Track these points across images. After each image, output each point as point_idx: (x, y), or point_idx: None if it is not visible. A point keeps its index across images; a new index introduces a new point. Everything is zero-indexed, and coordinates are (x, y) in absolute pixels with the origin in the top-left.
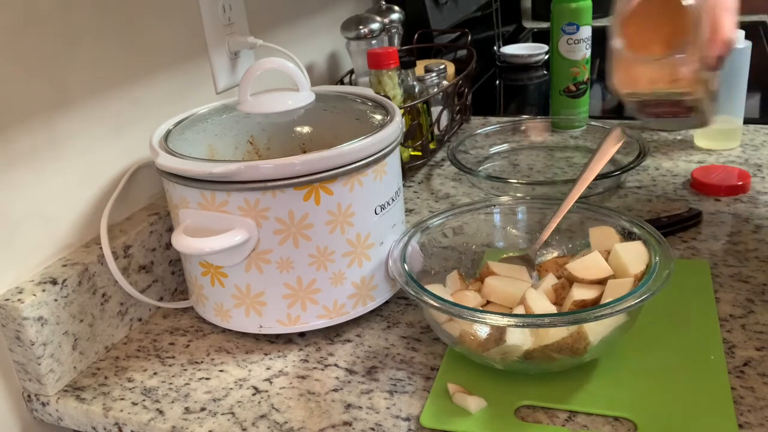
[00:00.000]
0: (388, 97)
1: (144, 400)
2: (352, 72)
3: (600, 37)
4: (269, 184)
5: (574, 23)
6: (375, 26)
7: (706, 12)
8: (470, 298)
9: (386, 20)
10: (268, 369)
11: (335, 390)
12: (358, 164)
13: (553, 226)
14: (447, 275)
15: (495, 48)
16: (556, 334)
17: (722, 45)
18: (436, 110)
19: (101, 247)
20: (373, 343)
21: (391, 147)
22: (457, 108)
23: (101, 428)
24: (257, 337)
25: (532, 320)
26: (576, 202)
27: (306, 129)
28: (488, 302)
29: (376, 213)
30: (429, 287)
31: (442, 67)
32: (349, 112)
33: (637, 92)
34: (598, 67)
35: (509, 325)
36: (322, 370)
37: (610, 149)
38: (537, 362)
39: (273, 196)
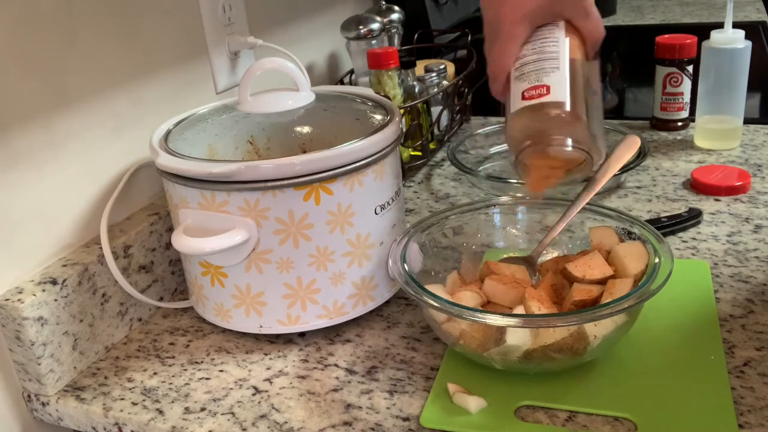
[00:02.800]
0: (388, 97)
1: (144, 400)
2: (352, 72)
3: None
4: (269, 184)
5: None
6: (375, 26)
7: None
8: (470, 298)
9: (386, 20)
10: (268, 369)
11: (335, 390)
12: (358, 164)
13: (560, 228)
14: (447, 275)
15: None
16: (556, 334)
17: (597, 45)
18: (436, 110)
19: (101, 247)
20: (373, 343)
21: (391, 147)
22: (457, 108)
23: (101, 428)
24: (257, 337)
25: (532, 320)
26: None
27: (306, 129)
28: (488, 302)
29: (376, 213)
30: (429, 287)
31: (442, 67)
32: (349, 112)
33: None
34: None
35: (509, 325)
36: (322, 370)
37: (625, 156)
38: (537, 362)
39: (273, 196)
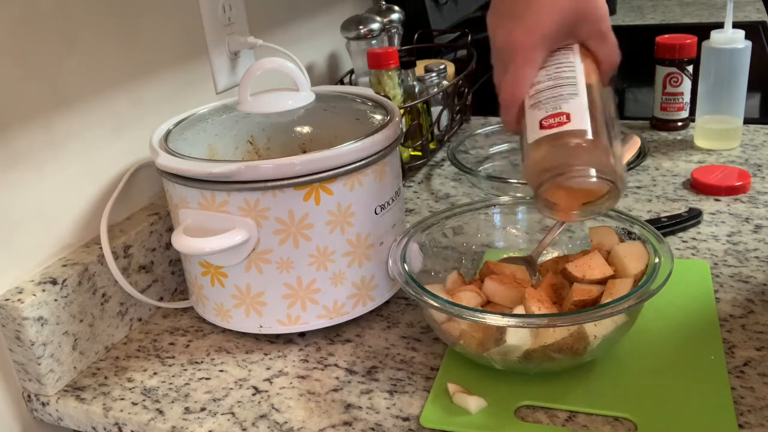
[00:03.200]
0: (388, 97)
1: (144, 400)
2: (352, 72)
3: None
4: (269, 184)
5: None
6: (375, 26)
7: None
8: (470, 298)
9: (386, 20)
10: (268, 369)
11: (335, 390)
12: (358, 164)
13: (560, 228)
14: (447, 275)
15: None
16: (556, 334)
17: (613, 70)
18: (436, 110)
19: (101, 247)
20: (373, 343)
21: (391, 147)
22: (457, 108)
23: (101, 428)
24: (257, 337)
25: (532, 320)
26: None
27: (306, 129)
28: (488, 302)
29: (376, 213)
30: (429, 287)
31: (442, 67)
32: (349, 112)
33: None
34: None
35: (509, 325)
36: (322, 370)
37: (625, 156)
38: (537, 362)
39: (273, 196)
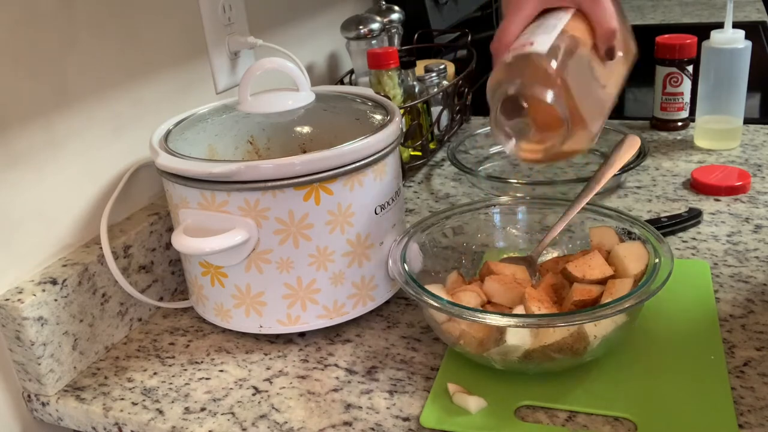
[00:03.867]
0: (388, 97)
1: (144, 400)
2: (352, 72)
3: None
4: (269, 184)
5: None
6: (375, 26)
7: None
8: (470, 298)
9: (386, 20)
10: (268, 369)
11: (335, 390)
12: (358, 164)
13: (560, 228)
14: (447, 275)
15: None
16: (556, 334)
17: (607, 38)
18: (436, 110)
19: (101, 247)
20: (373, 343)
21: (391, 147)
22: (457, 108)
23: (101, 428)
24: (257, 337)
25: (532, 320)
26: None
27: (306, 129)
28: (488, 302)
29: (376, 213)
30: (429, 287)
31: (442, 67)
32: (349, 112)
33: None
34: None
35: (509, 325)
36: (322, 370)
37: (625, 156)
38: (537, 362)
39: (273, 196)
